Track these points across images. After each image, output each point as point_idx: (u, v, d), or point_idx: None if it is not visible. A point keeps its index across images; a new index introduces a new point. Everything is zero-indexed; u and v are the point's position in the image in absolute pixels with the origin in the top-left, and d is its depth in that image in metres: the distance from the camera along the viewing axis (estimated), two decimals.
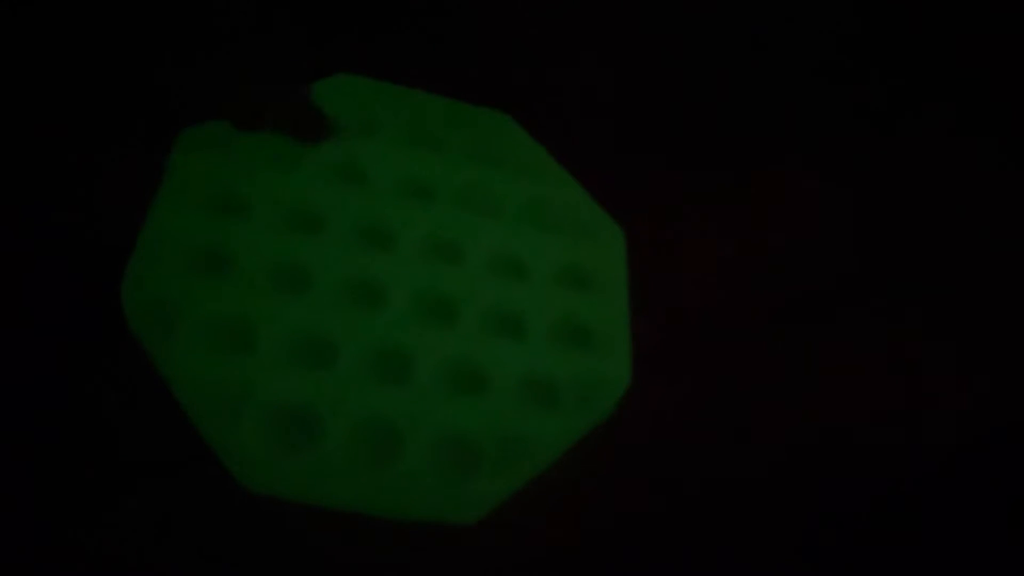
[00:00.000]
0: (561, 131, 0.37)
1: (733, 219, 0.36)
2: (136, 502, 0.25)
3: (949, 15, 0.44)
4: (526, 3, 0.41)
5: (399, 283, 0.28)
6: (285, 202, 0.29)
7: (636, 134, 0.38)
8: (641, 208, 0.36)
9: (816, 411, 0.32)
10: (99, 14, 0.33)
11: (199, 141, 0.29)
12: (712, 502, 0.29)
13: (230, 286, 0.26)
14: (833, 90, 0.41)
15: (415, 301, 0.28)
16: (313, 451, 0.24)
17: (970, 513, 0.31)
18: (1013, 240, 0.38)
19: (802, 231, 0.36)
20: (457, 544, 0.27)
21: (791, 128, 0.40)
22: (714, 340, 0.33)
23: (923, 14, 0.44)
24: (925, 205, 0.39)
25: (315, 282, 0.27)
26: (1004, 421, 0.33)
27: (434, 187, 0.31)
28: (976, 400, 0.33)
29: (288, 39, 0.31)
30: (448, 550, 0.26)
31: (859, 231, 0.37)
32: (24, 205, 0.29)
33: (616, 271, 0.31)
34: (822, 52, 0.42)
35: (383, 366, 0.27)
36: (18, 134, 0.30)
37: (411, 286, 0.28)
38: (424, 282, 0.28)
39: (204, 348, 0.25)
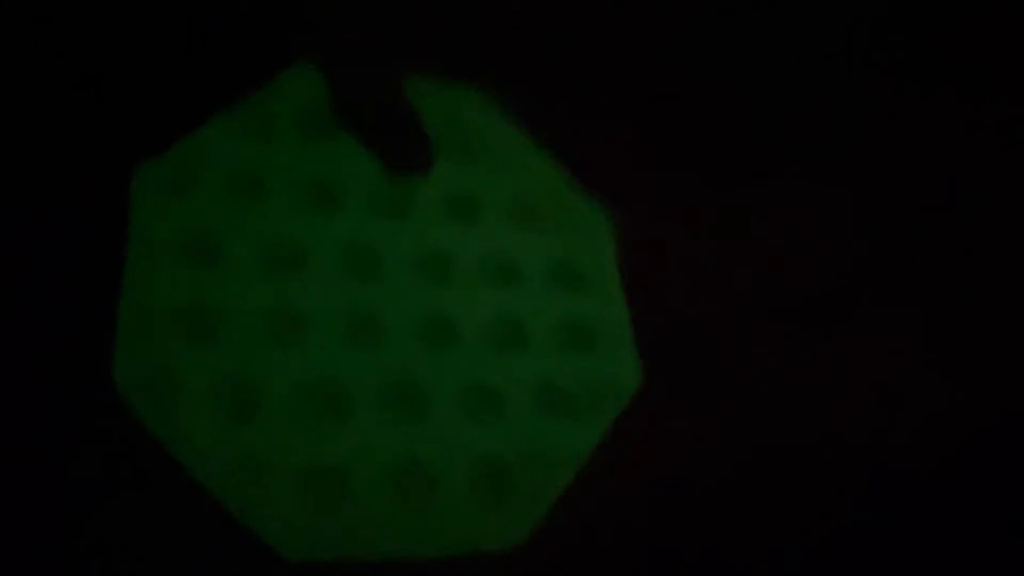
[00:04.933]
0: (560, 131, 0.36)
1: (733, 221, 0.36)
2: (113, 516, 0.24)
3: (946, 17, 0.43)
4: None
5: (396, 312, 0.27)
6: (261, 238, 0.27)
7: (636, 136, 0.37)
8: (640, 210, 0.35)
9: (814, 412, 0.32)
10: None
11: (159, 177, 0.27)
12: (713, 503, 0.29)
13: (224, 347, 0.25)
14: (832, 92, 0.40)
15: (415, 328, 0.27)
16: (347, 507, 0.24)
17: (970, 515, 0.31)
18: (1012, 242, 0.38)
19: (800, 233, 0.36)
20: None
21: (791, 130, 0.39)
22: (712, 342, 0.33)
23: (920, 17, 0.43)
24: (923, 208, 0.38)
25: (310, 326, 0.26)
26: (1001, 424, 0.34)
27: (411, 197, 0.29)
28: (973, 402, 0.34)
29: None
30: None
31: (857, 234, 0.37)
32: (20, 213, 0.26)
33: (606, 262, 0.31)
34: (822, 54, 0.41)
35: (398, 405, 0.26)
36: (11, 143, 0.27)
37: (408, 313, 0.27)
38: (420, 306, 0.28)
39: (212, 419, 0.24)
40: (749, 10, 0.41)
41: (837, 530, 0.30)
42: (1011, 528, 0.31)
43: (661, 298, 0.33)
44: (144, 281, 0.25)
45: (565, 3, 0.38)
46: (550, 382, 0.28)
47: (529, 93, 0.36)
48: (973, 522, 0.31)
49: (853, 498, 0.31)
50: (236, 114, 0.28)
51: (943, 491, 0.31)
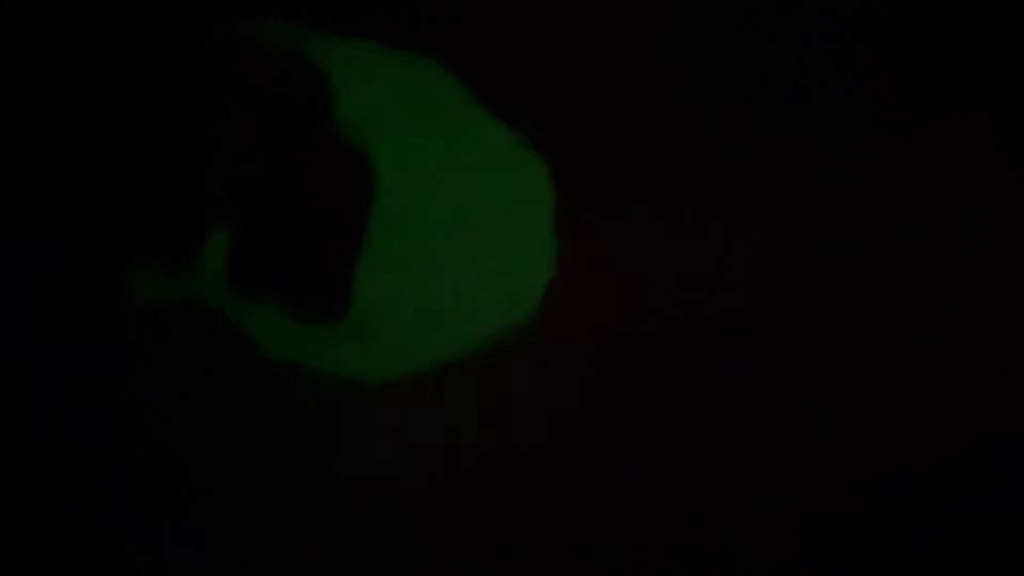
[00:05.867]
0: (543, 127, 0.36)
1: (715, 221, 0.35)
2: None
3: (945, 25, 0.43)
4: None
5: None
6: None
7: (617, 133, 0.37)
8: (615, 207, 0.35)
9: (785, 418, 0.32)
10: None
11: None
12: (682, 507, 0.30)
13: None
14: (820, 96, 0.40)
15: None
16: None
17: (935, 532, 0.30)
18: (997, 253, 0.36)
19: (780, 241, 0.35)
20: None
21: (773, 135, 0.38)
22: (681, 342, 0.32)
23: (919, 25, 0.43)
24: (911, 217, 0.37)
25: None
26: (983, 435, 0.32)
27: (355, 130, 0.31)
28: (954, 413, 0.33)
29: None
30: None
31: (837, 243, 0.36)
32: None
33: (542, 196, 0.33)
34: (814, 57, 0.41)
35: None
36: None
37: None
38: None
39: None
40: (739, 14, 0.41)
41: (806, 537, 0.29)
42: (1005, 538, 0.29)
43: (627, 296, 0.33)
44: None
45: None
46: (466, 264, 0.30)
47: (514, 88, 0.37)
48: (970, 528, 0.30)
49: (844, 500, 0.30)
50: None
51: (926, 497, 0.31)
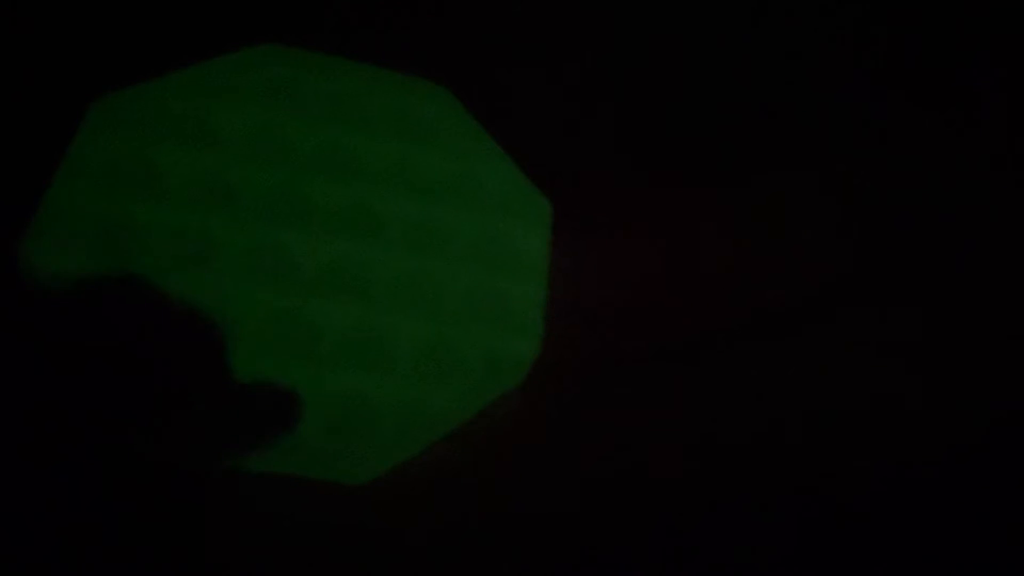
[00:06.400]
0: (538, 127, 0.36)
1: (718, 221, 0.35)
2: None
3: (949, 21, 0.43)
4: None
5: (309, 256, 0.29)
6: (196, 176, 0.29)
7: (613, 137, 0.37)
8: (621, 208, 0.35)
9: (785, 418, 0.31)
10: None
11: (109, 113, 0.29)
12: (703, 503, 0.29)
13: (136, 264, 0.27)
14: (820, 92, 0.40)
15: (326, 271, 0.29)
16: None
17: (969, 517, 0.30)
18: (1006, 253, 0.37)
19: (786, 234, 0.35)
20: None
21: (777, 130, 0.38)
22: (697, 341, 0.32)
23: (923, 20, 0.43)
24: (910, 212, 0.37)
25: (219, 253, 0.28)
26: (995, 427, 0.32)
27: (356, 161, 0.31)
28: (966, 405, 0.33)
29: None
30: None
31: (843, 235, 0.36)
32: None
33: (538, 244, 0.32)
34: (808, 53, 0.41)
35: (287, 335, 0.27)
36: None
37: (321, 259, 0.29)
38: (336, 253, 0.29)
39: None
40: (737, 11, 0.41)
41: (829, 531, 0.29)
42: (1011, 531, 0.29)
43: (643, 295, 0.33)
44: (69, 195, 0.27)
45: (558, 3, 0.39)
46: (446, 342, 0.29)
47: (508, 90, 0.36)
48: (971, 524, 0.30)
49: (844, 499, 0.30)
50: (196, 72, 0.30)
51: (941, 495, 0.30)
